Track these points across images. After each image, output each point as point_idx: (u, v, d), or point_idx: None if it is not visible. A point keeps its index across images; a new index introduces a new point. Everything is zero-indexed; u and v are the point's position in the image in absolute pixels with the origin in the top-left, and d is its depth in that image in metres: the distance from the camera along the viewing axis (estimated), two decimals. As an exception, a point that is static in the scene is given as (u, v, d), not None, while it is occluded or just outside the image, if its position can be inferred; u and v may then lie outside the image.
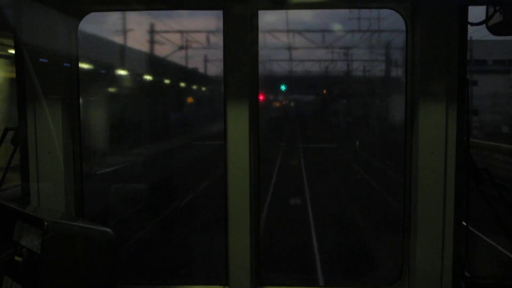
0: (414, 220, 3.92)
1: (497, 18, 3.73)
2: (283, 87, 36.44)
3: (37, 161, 3.99)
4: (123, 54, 22.89)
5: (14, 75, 4.05)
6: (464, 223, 3.96)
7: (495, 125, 39.66)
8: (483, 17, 3.85)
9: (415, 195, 3.89)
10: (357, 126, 32.58)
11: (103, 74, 20.72)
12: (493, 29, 3.84)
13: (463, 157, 3.83)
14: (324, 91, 39.59)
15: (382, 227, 13.34)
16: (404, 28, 3.96)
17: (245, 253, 3.98)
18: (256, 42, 4.02)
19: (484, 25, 3.83)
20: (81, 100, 4.22)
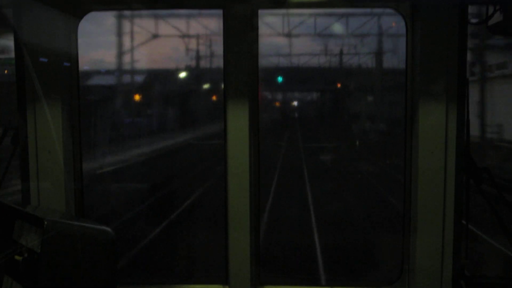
0: (414, 220, 3.92)
1: (497, 17, 3.73)
2: (279, 79, 28.75)
3: (37, 161, 3.99)
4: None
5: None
6: (464, 223, 3.97)
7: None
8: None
9: (415, 195, 3.90)
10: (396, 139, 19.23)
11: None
12: (493, 29, 3.84)
13: (463, 157, 3.83)
14: (339, 84, 28.71)
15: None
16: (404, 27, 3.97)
17: (245, 253, 3.98)
18: (256, 41, 4.02)
19: None
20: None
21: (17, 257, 2.92)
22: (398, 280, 4.07)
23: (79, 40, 4.12)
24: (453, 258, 3.83)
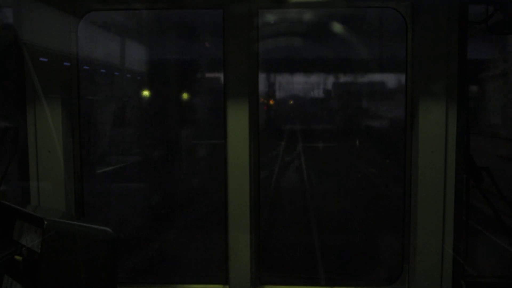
0: (414, 219, 3.92)
1: (497, 17, 3.73)
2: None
3: (37, 160, 3.99)
4: None
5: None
6: (464, 222, 3.97)
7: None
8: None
9: (415, 194, 3.90)
10: None
11: None
12: (493, 28, 3.84)
13: (463, 156, 3.83)
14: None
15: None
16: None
17: (245, 252, 3.98)
18: (256, 41, 4.02)
19: None
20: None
21: (17, 257, 2.92)
22: (398, 280, 4.07)
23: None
24: (453, 258, 3.83)
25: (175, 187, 6.03)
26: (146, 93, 6.14)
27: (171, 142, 5.99)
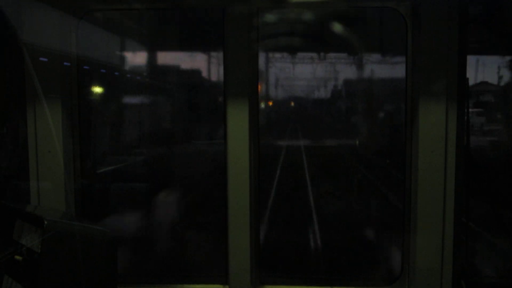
0: (414, 219, 3.92)
1: (497, 16, 3.73)
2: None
3: (37, 160, 4.00)
4: None
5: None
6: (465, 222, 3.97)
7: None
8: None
9: (415, 194, 3.90)
10: None
11: None
12: (493, 29, 3.84)
13: (463, 156, 3.83)
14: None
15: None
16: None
17: (245, 252, 3.98)
18: (256, 41, 4.02)
19: None
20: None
21: (17, 257, 2.92)
22: (398, 280, 4.07)
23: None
24: (453, 258, 3.83)
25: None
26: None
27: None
